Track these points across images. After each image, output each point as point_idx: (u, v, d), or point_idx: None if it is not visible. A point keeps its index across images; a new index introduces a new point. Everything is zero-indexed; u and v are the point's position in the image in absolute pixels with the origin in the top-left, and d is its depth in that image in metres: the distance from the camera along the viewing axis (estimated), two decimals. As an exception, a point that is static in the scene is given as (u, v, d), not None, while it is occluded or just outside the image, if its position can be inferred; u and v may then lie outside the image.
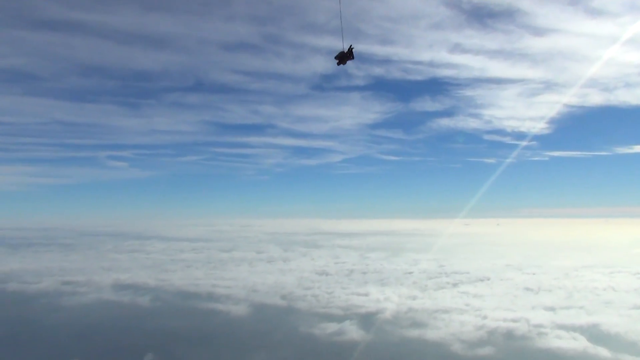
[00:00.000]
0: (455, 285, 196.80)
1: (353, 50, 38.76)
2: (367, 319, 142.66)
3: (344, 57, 39.23)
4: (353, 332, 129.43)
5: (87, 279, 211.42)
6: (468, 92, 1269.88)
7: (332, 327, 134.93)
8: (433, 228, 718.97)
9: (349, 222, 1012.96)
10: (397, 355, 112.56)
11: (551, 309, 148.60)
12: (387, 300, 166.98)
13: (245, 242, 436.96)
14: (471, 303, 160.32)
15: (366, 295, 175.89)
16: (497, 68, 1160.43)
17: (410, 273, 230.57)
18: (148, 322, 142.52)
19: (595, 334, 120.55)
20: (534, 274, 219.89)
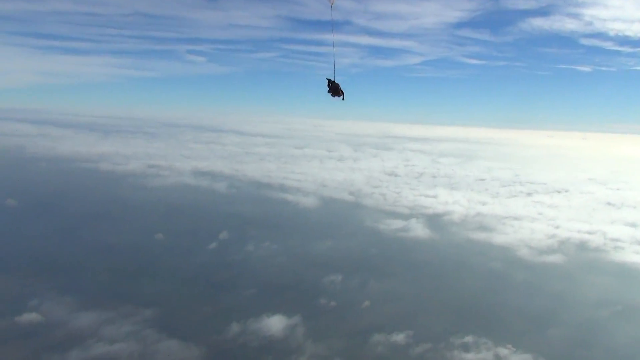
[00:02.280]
0: (529, 194, 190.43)
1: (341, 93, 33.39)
2: (433, 219, 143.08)
3: (333, 89, 34.59)
4: (418, 230, 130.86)
5: (169, 164, 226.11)
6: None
7: (397, 223, 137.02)
8: (512, 138, 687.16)
9: (422, 128, 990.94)
10: (462, 255, 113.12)
11: (633, 225, 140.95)
12: (456, 203, 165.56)
13: (316, 141, 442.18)
14: (545, 213, 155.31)
15: (435, 197, 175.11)
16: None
17: (482, 180, 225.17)
18: (223, 206, 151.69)
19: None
20: (618, 189, 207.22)
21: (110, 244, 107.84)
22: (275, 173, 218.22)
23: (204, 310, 75.70)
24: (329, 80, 32.89)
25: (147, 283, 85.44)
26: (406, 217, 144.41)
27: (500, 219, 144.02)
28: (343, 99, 33.07)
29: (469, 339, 69.84)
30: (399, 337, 69.27)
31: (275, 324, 70.03)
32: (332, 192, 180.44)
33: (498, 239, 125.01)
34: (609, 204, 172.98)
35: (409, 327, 71.61)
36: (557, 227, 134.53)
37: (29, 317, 69.15)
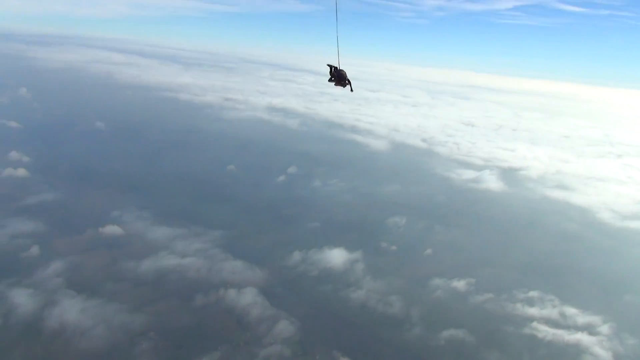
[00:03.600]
0: (619, 156, 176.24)
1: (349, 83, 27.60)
2: (508, 173, 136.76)
3: (337, 77, 28.56)
4: (491, 182, 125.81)
5: (245, 98, 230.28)
6: None
7: (469, 174, 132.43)
8: (606, 96, 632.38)
9: (505, 79, 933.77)
10: (535, 212, 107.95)
11: None
12: (535, 159, 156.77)
13: (392, 86, 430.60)
14: (635, 177, 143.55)
15: (512, 151, 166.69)
16: None
17: (567, 137, 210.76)
18: (294, 142, 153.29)
19: None
20: None
21: (186, 169, 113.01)
22: (347, 114, 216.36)
23: (268, 238, 78.34)
24: (332, 67, 28.01)
25: (217, 208, 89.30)
26: (479, 168, 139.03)
27: (583, 179, 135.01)
28: (351, 90, 28.14)
29: (534, 294, 67.56)
30: (459, 284, 68.29)
31: (335, 257, 71.26)
32: (403, 137, 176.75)
33: (578, 199, 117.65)
34: None
35: (470, 276, 70.24)
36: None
37: (112, 229, 74.81)
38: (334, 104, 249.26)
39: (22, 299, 52.16)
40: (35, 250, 63.92)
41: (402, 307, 60.66)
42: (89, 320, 50.16)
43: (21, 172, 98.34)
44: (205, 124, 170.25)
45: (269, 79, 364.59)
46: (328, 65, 27.66)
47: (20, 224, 71.86)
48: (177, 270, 63.52)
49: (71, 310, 51.23)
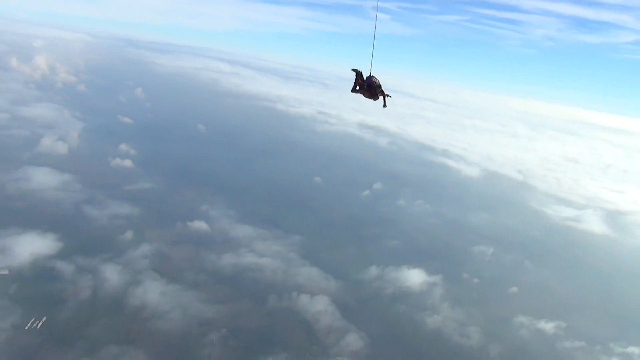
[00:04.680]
0: None
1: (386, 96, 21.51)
2: (614, 216, 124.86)
3: (367, 85, 21.31)
4: (593, 223, 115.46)
5: (338, 113, 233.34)
6: None
7: (568, 212, 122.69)
8: None
9: (620, 119, 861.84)
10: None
11: None
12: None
13: (490, 114, 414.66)
14: None
15: (621, 193, 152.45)
16: None
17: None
18: (382, 159, 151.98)
19: None
20: None
21: (275, 176, 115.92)
22: (440, 138, 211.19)
23: (346, 250, 77.51)
24: (358, 73, 21.15)
25: (300, 215, 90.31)
26: (580, 207, 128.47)
27: None
28: (384, 104, 20.74)
29: (633, 350, 60.26)
30: (547, 326, 62.72)
31: (413, 277, 68.69)
32: (498, 166, 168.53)
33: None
34: None
35: (560, 319, 64.25)
36: None
37: (199, 224, 78.17)
38: (427, 127, 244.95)
39: (111, 275, 55.82)
40: (129, 232, 68.40)
41: (480, 341, 56.79)
42: (167, 304, 52.40)
43: (127, 162, 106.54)
44: (298, 134, 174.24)
45: (364, 97, 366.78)
46: (353, 70, 21.21)
47: (120, 207, 77.53)
48: (254, 268, 64.72)
49: (153, 291, 53.90)
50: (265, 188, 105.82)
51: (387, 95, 21.08)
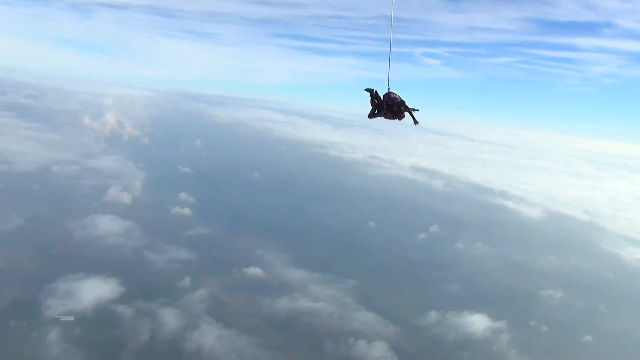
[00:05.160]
0: None
1: (410, 111, 19.11)
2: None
3: (386, 104, 19.18)
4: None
5: (391, 158, 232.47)
6: None
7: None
8: None
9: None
10: None
11: None
12: None
13: (550, 154, 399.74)
14: None
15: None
16: None
17: None
18: (438, 202, 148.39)
19: None
20: None
21: (328, 221, 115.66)
22: (498, 180, 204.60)
23: (404, 294, 74.93)
24: (373, 92, 19.14)
25: (355, 259, 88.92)
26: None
27: None
28: (415, 121, 18.90)
29: None
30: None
31: (476, 322, 64.96)
32: (562, 207, 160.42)
33: None
34: None
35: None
36: None
37: (254, 270, 78.49)
38: (483, 169, 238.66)
39: (169, 319, 56.53)
40: (186, 277, 69.64)
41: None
42: (222, 348, 52.14)
43: (186, 211, 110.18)
44: (351, 179, 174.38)
45: (417, 141, 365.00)
46: (367, 90, 19.18)
47: (178, 253, 79.52)
48: (309, 313, 63.59)
49: (209, 336, 53.93)
50: (319, 232, 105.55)
51: (415, 110, 19.13)
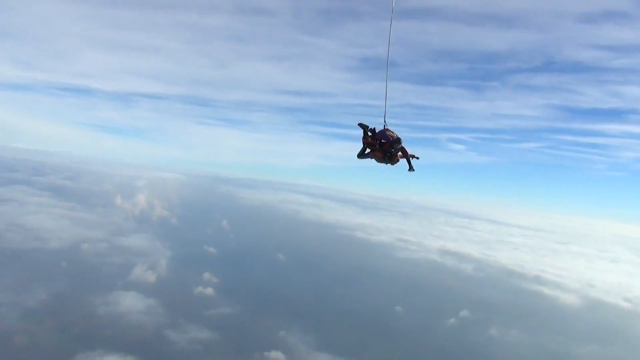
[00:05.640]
0: None
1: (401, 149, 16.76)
2: None
3: (379, 143, 17.29)
4: None
5: (418, 241, 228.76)
6: None
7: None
8: None
9: None
10: None
11: None
12: None
13: (584, 239, 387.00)
14: None
15: None
16: None
17: None
18: (467, 286, 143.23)
19: None
20: None
21: (354, 304, 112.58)
22: (530, 264, 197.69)
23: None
24: (367, 129, 17.29)
25: (381, 345, 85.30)
26: None
27: None
28: (411, 168, 17.05)
29: None
30: None
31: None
32: (600, 294, 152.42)
33: None
34: None
35: None
36: None
37: (276, 354, 75.73)
38: (514, 253, 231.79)
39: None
40: (206, 358, 67.43)
41: None
42: None
43: (209, 290, 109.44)
44: (377, 261, 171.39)
45: (444, 224, 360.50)
46: (361, 125, 17.36)
47: (199, 332, 77.78)
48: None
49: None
50: (344, 315, 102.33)
51: (413, 157, 16.97)
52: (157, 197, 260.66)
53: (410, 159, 17.68)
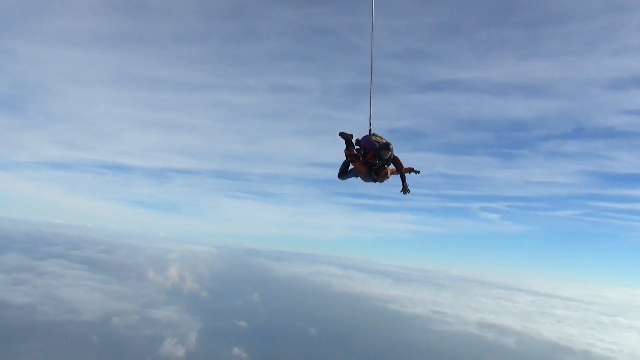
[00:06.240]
0: None
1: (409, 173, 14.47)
2: None
3: (362, 153, 14.37)
4: None
5: (455, 313, 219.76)
6: None
7: None
8: None
9: None
10: None
11: None
12: None
13: (633, 311, 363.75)
14: None
15: None
16: None
17: None
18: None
19: None
20: None
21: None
22: (577, 338, 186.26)
23: None
24: (349, 139, 14.24)
25: None
26: None
27: None
28: (405, 189, 14.01)
29: None
30: None
31: None
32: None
33: None
34: None
35: None
36: None
37: None
38: (558, 326, 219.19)
39: None
40: None
41: None
42: None
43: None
44: (412, 334, 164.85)
45: (481, 296, 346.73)
46: (342, 135, 14.06)
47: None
48: None
49: None
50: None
51: (412, 170, 13.73)
52: (189, 270, 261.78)
53: (407, 174, 13.82)
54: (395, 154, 13.14)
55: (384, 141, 13.21)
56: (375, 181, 13.20)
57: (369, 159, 13.11)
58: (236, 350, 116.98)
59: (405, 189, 13.51)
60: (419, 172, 14.03)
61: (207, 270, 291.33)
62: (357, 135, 14.32)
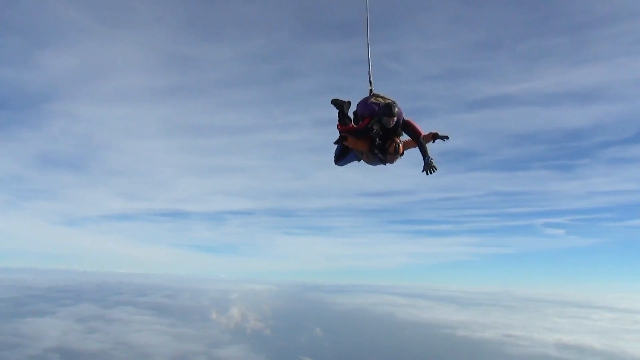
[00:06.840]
0: None
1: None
2: None
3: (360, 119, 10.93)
4: None
5: (529, 335, 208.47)
6: None
7: None
8: None
9: None
10: None
11: None
12: None
13: None
14: None
15: None
16: None
17: None
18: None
19: None
20: None
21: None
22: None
23: None
24: (342, 108, 11.32)
25: None
26: None
27: None
28: (428, 167, 10.21)
29: None
30: None
31: None
32: None
33: None
34: None
35: None
36: None
37: None
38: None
39: None
40: None
41: None
42: None
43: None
44: (485, 358, 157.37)
45: (555, 316, 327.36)
46: (335, 102, 11.15)
47: None
48: None
49: None
50: None
51: (437, 137, 10.46)
52: (251, 309, 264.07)
53: (429, 142, 10.08)
54: (407, 118, 9.80)
55: (387, 101, 9.60)
56: (383, 162, 9.86)
57: (361, 129, 9.61)
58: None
59: (428, 167, 9.64)
60: (447, 137, 10.37)
61: (269, 308, 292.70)
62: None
